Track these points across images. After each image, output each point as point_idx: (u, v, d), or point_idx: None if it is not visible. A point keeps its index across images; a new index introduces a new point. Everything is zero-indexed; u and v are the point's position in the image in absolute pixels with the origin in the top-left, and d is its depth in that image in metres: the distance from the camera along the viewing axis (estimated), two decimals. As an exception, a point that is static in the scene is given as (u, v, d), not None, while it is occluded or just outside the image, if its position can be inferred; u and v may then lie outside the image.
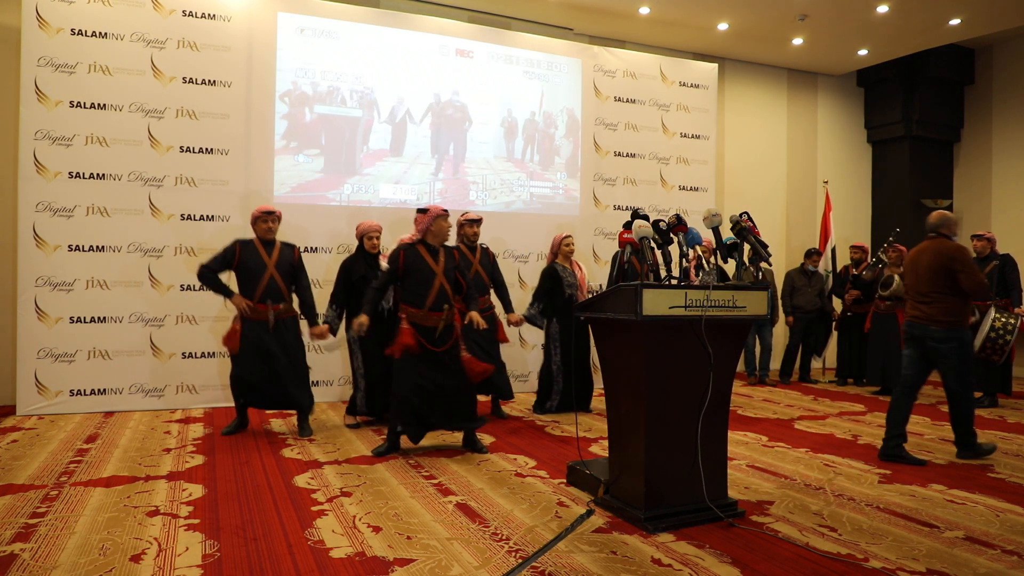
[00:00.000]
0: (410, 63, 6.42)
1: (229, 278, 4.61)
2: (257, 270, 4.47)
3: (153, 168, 5.59)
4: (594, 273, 7.04)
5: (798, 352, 7.68)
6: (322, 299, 5.18)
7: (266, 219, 4.53)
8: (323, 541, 2.76)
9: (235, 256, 4.48)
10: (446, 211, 4.25)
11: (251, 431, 4.80)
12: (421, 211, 4.23)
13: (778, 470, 3.95)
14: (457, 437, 4.59)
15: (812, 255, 7.61)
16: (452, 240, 5.33)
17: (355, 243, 5.20)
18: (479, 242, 5.35)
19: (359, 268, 4.92)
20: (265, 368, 4.47)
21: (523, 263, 6.79)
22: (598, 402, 5.97)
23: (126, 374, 5.50)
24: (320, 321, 4.75)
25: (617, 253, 5.78)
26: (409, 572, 2.48)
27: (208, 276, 4.46)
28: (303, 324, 4.72)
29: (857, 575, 2.53)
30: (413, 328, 4.11)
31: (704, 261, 3.55)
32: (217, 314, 5.70)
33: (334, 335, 4.86)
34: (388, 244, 6.18)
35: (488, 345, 5.14)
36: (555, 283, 5.41)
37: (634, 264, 5.03)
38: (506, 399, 5.51)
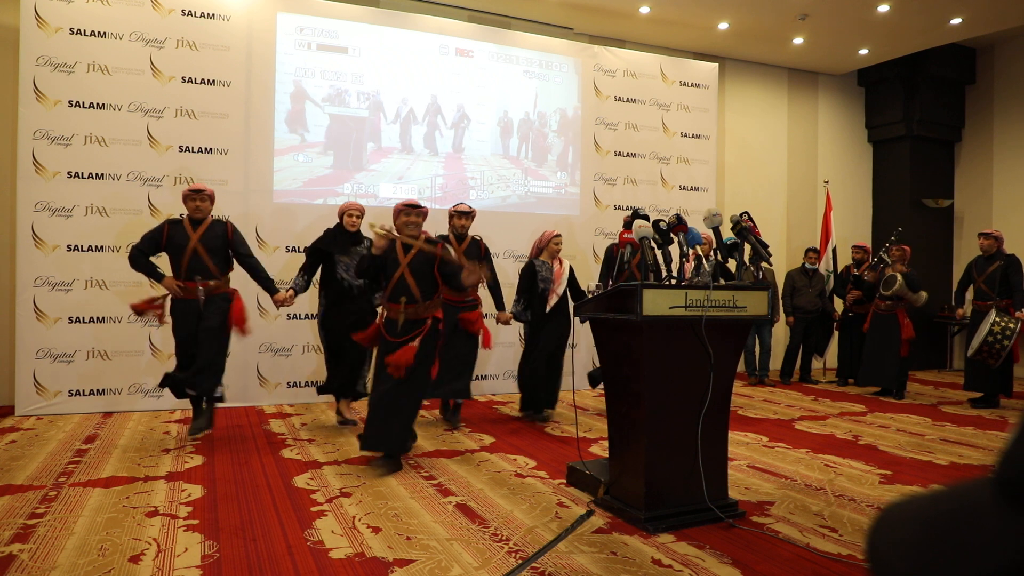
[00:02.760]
0: (410, 63, 6.41)
1: (161, 262, 4.48)
2: (182, 245, 4.33)
3: (152, 168, 5.58)
4: (593, 273, 7.02)
5: (799, 352, 7.66)
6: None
7: (194, 197, 4.37)
8: (323, 542, 2.75)
9: (163, 235, 4.34)
10: (408, 205, 4.03)
11: (250, 432, 4.79)
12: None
13: (778, 471, 3.94)
14: (457, 437, 4.58)
15: (810, 252, 7.61)
16: (444, 230, 5.32)
17: None
18: (472, 234, 5.22)
19: (327, 238, 4.89)
20: (184, 349, 4.36)
21: (523, 262, 6.75)
22: (597, 402, 5.96)
23: (125, 374, 5.49)
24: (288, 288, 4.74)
25: (609, 247, 5.73)
26: (409, 573, 2.47)
27: (138, 258, 4.27)
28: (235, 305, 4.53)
29: (858, 576, 2.53)
30: (383, 319, 4.02)
31: (704, 261, 3.54)
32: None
33: (297, 292, 4.75)
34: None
35: (465, 345, 4.98)
36: (531, 278, 5.32)
37: (633, 268, 5.01)
38: (466, 398, 5.16)
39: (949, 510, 0.56)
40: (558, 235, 5.43)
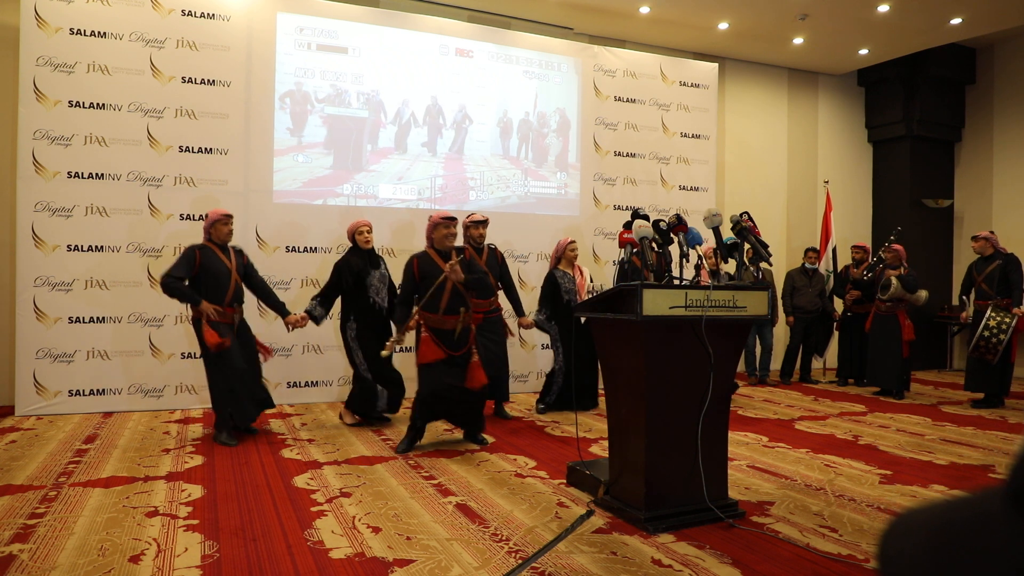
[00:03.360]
0: (410, 63, 6.41)
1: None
2: (222, 275, 4.42)
3: (152, 168, 5.58)
4: (595, 273, 7.03)
5: (799, 352, 7.67)
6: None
7: (227, 222, 4.49)
8: (323, 542, 2.75)
9: (195, 262, 4.37)
10: (446, 218, 4.26)
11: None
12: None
13: (779, 470, 3.94)
14: (457, 437, 4.59)
15: (809, 252, 7.62)
16: (460, 241, 5.33)
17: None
18: (487, 243, 5.28)
19: (356, 264, 4.87)
20: (245, 372, 4.46)
21: (523, 263, 6.78)
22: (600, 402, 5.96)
23: (125, 374, 5.49)
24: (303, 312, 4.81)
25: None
26: (409, 573, 2.47)
27: (175, 285, 4.28)
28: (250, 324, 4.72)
29: (858, 576, 2.53)
30: (432, 334, 4.17)
31: (704, 262, 3.55)
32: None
33: (316, 323, 4.83)
34: (386, 241, 6.19)
35: (497, 347, 5.17)
36: (554, 289, 5.47)
37: (635, 264, 5.04)
38: (505, 401, 5.50)
39: (960, 519, 0.56)
40: (572, 241, 5.58)
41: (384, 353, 4.29)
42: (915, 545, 0.58)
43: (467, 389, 4.23)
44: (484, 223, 5.21)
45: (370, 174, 6.27)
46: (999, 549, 0.51)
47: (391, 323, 4.87)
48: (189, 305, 4.40)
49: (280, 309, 4.72)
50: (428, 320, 4.19)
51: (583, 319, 5.31)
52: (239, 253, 4.64)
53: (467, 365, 4.26)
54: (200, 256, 4.38)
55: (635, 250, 3.37)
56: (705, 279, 3.35)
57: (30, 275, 5.27)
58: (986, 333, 5.79)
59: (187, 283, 4.36)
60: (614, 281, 5.67)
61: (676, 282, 3.14)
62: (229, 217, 4.52)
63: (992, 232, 6.31)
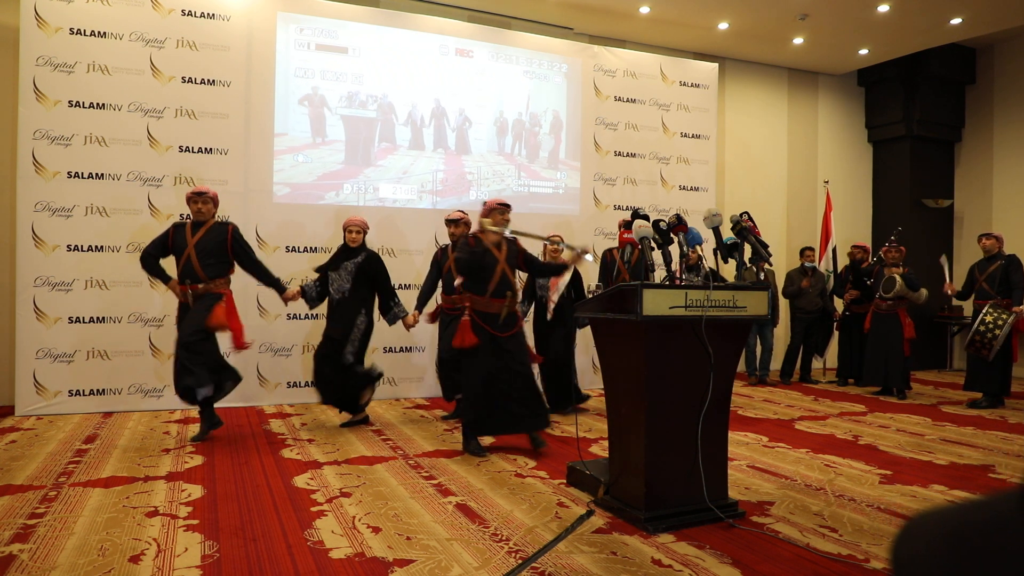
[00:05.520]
0: (410, 63, 6.41)
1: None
2: (179, 252, 4.43)
3: (152, 168, 5.58)
4: (593, 273, 7.02)
5: (799, 352, 7.67)
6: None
7: (196, 199, 4.46)
8: (323, 542, 2.75)
9: (168, 239, 4.45)
10: (501, 204, 4.29)
11: (250, 432, 4.79)
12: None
13: (778, 471, 3.94)
14: (457, 437, 4.59)
15: (807, 251, 7.62)
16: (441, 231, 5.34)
17: None
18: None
19: (331, 262, 4.93)
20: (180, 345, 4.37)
21: (523, 263, 6.77)
22: (597, 402, 5.96)
23: (125, 374, 5.49)
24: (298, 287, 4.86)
25: (605, 252, 5.78)
26: (409, 573, 2.47)
27: (147, 260, 4.42)
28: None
29: (858, 576, 2.53)
30: (476, 317, 4.20)
31: (703, 262, 3.54)
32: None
33: (305, 299, 4.87)
34: (386, 241, 6.19)
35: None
36: (530, 284, 5.47)
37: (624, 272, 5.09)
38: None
39: (975, 521, 0.56)
40: (551, 236, 5.38)
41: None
42: (930, 547, 0.58)
43: (522, 363, 4.23)
44: (455, 222, 5.09)
45: (370, 174, 6.27)
46: (1016, 551, 0.50)
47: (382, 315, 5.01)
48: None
49: (276, 286, 4.71)
50: (474, 303, 4.23)
51: (548, 317, 5.33)
52: (217, 228, 4.49)
53: (521, 345, 4.28)
54: (172, 233, 4.47)
55: (632, 249, 3.38)
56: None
57: (30, 275, 5.27)
58: (982, 328, 5.81)
59: (160, 259, 4.46)
60: (600, 276, 5.71)
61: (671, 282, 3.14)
62: (198, 195, 4.46)
63: (1000, 234, 6.33)
